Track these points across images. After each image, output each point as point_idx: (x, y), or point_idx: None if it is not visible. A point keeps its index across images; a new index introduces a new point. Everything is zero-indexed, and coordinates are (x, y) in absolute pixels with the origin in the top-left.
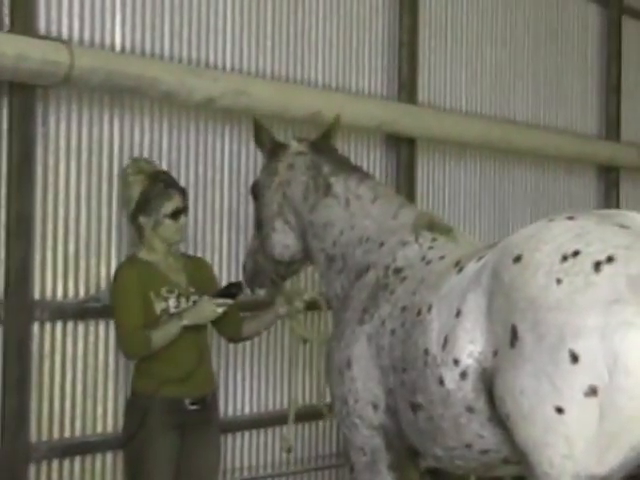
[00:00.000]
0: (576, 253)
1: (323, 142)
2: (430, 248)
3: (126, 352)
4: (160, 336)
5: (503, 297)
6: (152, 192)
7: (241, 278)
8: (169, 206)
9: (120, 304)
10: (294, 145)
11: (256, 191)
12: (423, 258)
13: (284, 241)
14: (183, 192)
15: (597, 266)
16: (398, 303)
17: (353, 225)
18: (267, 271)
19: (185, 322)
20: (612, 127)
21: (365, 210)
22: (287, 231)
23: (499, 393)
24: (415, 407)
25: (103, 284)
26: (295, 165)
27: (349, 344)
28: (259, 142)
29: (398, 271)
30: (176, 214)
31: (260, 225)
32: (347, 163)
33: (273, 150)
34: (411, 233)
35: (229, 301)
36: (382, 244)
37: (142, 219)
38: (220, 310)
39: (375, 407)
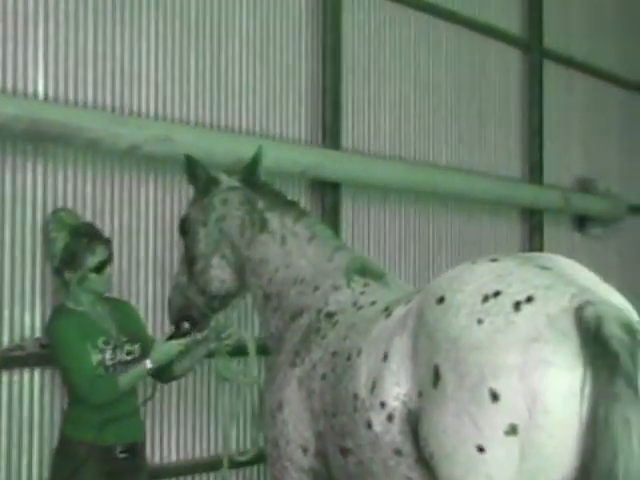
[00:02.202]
0: (497, 293)
1: (251, 175)
2: (362, 293)
3: (91, 399)
4: (127, 380)
5: (426, 338)
6: (76, 247)
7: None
8: (94, 260)
9: (70, 356)
10: (225, 179)
11: (186, 227)
12: (355, 303)
13: (221, 276)
14: (107, 242)
15: (517, 306)
16: (329, 348)
17: (288, 264)
18: (198, 306)
19: (150, 365)
20: (535, 170)
21: (301, 250)
22: (224, 266)
23: (423, 433)
24: (345, 451)
25: (27, 333)
26: (228, 200)
27: (281, 387)
28: (193, 177)
29: (330, 316)
30: (101, 267)
31: (192, 261)
32: (282, 198)
33: (206, 184)
34: (343, 277)
35: (185, 339)
36: (316, 288)
37: (67, 274)
38: (181, 347)
39: (305, 450)
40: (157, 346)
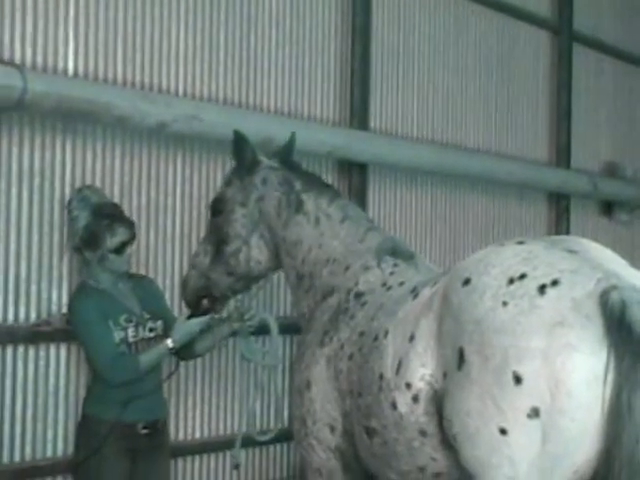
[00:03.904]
0: (522, 276)
1: (287, 157)
2: (391, 274)
3: (113, 378)
4: (148, 359)
5: (452, 320)
6: (96, 228)
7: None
8: (114, 242)
9: (91, 335)
10: (265, 160)
11: (221, 206)
12: (384, 284)
13: (258, 257)
14: (129, 223)
15: (542, 289)
16: (357, 328)
17: (321, 244)
18: (220, 287)
19: (172, 344)
20: (563, 154)
21: (334, 230)
22: (262, 247)
23: (447, 415)
24: (370, 432)
25: (54, 308)
26: (268, 180)
27: (309, 365)
28: (240, 154)
29: (359, 296)
30: (121, 248)
31: (224, 241)
32: (317, 179)
33: (251, 164)
34: (374, 258)
35: (205, 317)
36: (347, 267)
37: (87, 254)
38: (202, 326)
39: (332, 429)
40: (178, 325)
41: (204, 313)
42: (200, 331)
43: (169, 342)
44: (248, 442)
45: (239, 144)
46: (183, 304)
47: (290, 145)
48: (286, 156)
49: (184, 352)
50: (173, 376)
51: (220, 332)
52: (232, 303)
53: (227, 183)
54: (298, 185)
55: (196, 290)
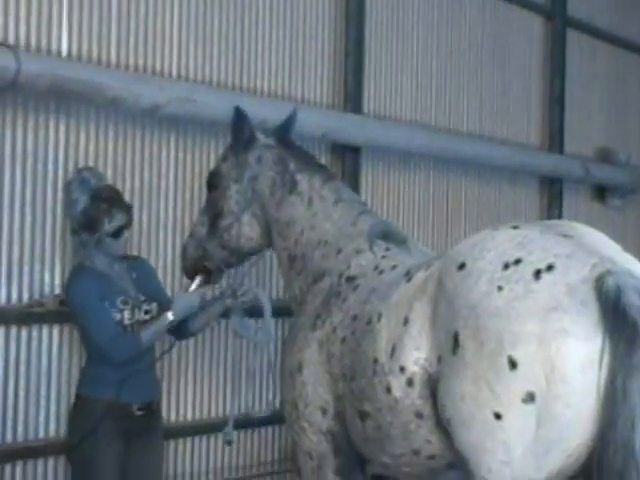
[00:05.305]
0: (517, 261)
1: (284, 134)
2: (383, 257)
3: (116, 356)
4: (150, 334)
5: (446, 304)
6: (95, 212)
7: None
8: (112, 226)
9: (90, 315)
10: (262, 138)
11: (216, 181)
12: (376, 267)
13: (249, 234)
14: (127, 208)
15: (537, 274)
16: (350, 311)
17: (313, 226)
18: (215, 259)
19: (172, 317)
20: (555, 139)
21: (327, 212)
22: (254, 224)
23: (441, 399)
24: (363, 415)
25: (47, 289)
26: (263, 158)
27: (301, 348)
28: (237, 131)
29: (351, 279)
30: (118, 232)
31: (219, 215)
32: (312, 159)
33: (248, 142)
34: (366, 241)
35: (203, 289)
36: (339, 251)
37: (84, 236)
38: (200, 298)
39: (324, 412)
40: (178, 298)
41: (202, 285)
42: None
43: (169, 315)
44: (240, 424)
45: (238, 120)
46: (176, 285)
47: (289, 122)
48: (283, 134)
49: (179, 331)
50: (167, 355)
51: (213, 309)
52: (225, 280)
53: (223, 158)
54: (292, 165)
55: (193, 259)
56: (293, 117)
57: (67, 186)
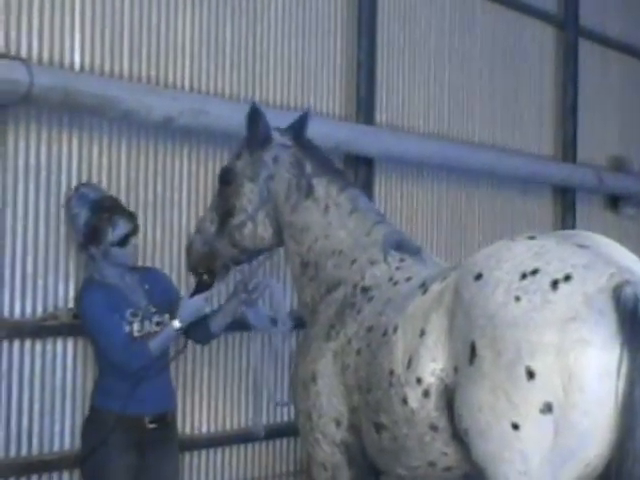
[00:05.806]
0: (535, 271)
1: (300, 133)
2: (398, 269)
3: (128, 366)
4: (157, 343)
5: (463, 314)
6: (97, 222)
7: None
8: (116, 234)
9: (101, 328)
10: (278, 137)
11: (230, 178)
12: (390, 279)
13: (262, 233)
14: (130, 215)
15: (555, 284)
16: (365, 323)
17: (328, 234)
18: (223, 257)
19: (179, 324)
20: (568, 148)
21: (342, 221)
22: (267, 225)
23: (458, 409)
24: (379, 427)
25: (61, 302)
26: (280, 159)
27: (315, 359)
28: (253, 128)
29: (366, 290)
30: (124, 240)
31: (230, 213)
32: (329, 164)
33: (263, 140)
34: (380, 252)
35: (208, 291)
36: (354, 261)
37: (91, 249)
38: (206, 300)
39: (338, 424)
40: (183, 304)
41: (207, 287)
42: (211, 312)
43: (175, 323)
44: (253, 437)
45: (254, 117)
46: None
47: (303, 120)
48: (299, 132)
49: (200, 335)
50: (180, 356)
51: (230, 306)
52: (237, 275)
53: (238, 156)
54: (309, 168)
55: (199, 256)
56: (306, 117)
57: (67, 203)
